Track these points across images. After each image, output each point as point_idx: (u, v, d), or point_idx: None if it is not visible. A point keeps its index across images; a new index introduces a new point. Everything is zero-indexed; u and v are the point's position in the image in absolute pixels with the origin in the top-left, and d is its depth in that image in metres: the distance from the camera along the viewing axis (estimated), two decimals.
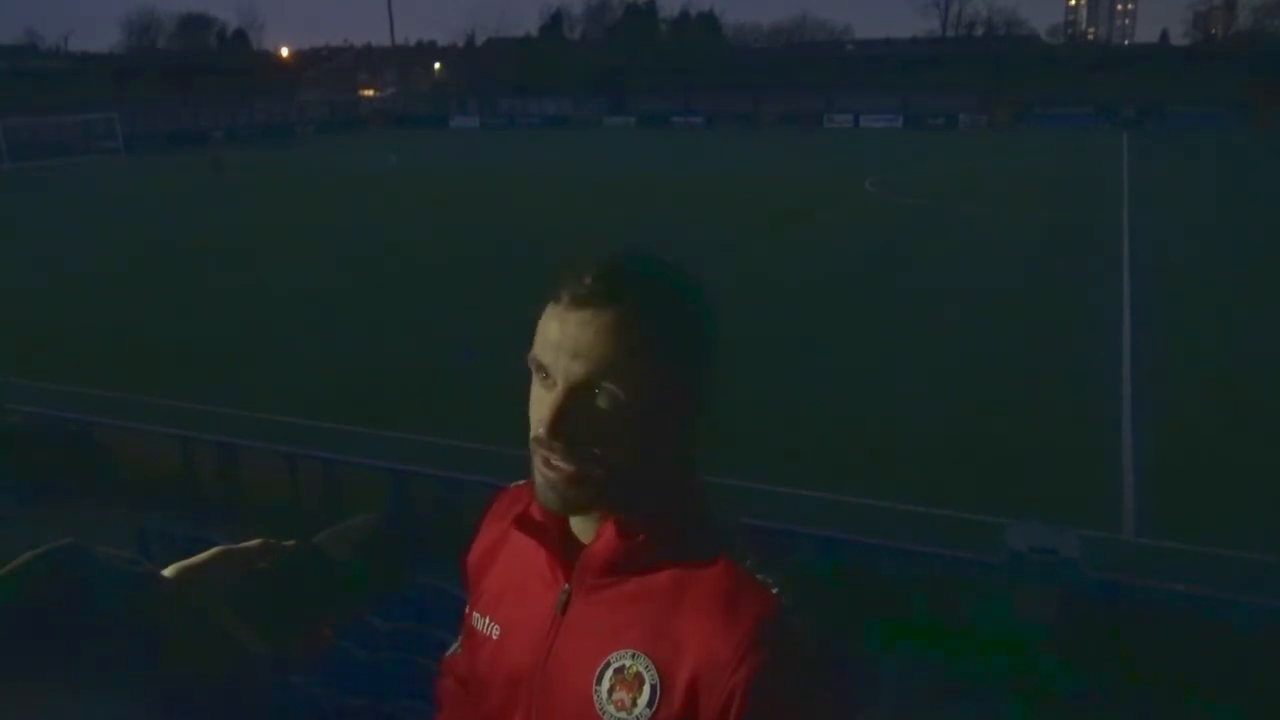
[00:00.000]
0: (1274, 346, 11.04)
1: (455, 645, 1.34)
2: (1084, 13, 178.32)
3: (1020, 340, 11.68)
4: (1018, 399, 9.61)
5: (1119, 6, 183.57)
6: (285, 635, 0.86)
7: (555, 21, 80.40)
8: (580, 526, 1.12)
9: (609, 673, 1.03)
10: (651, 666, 1.01)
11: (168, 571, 0.82)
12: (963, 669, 5.06)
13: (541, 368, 1.02)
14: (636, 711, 1.01)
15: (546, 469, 1.02)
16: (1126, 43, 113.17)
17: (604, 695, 1.03)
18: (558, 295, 1.02)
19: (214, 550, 0.86)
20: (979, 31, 72.67)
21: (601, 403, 0.99)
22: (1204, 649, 4.89)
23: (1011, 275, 15.13)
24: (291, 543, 0.92)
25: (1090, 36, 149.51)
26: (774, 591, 1.02)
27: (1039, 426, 8.86)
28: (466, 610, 1.27)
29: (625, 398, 0.99)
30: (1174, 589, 5.33)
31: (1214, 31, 70.26)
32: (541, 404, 1.02)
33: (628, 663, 1.03)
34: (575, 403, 0.99)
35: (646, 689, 1.01)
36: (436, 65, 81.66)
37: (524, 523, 1.14)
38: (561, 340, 1.00)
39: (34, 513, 7.36)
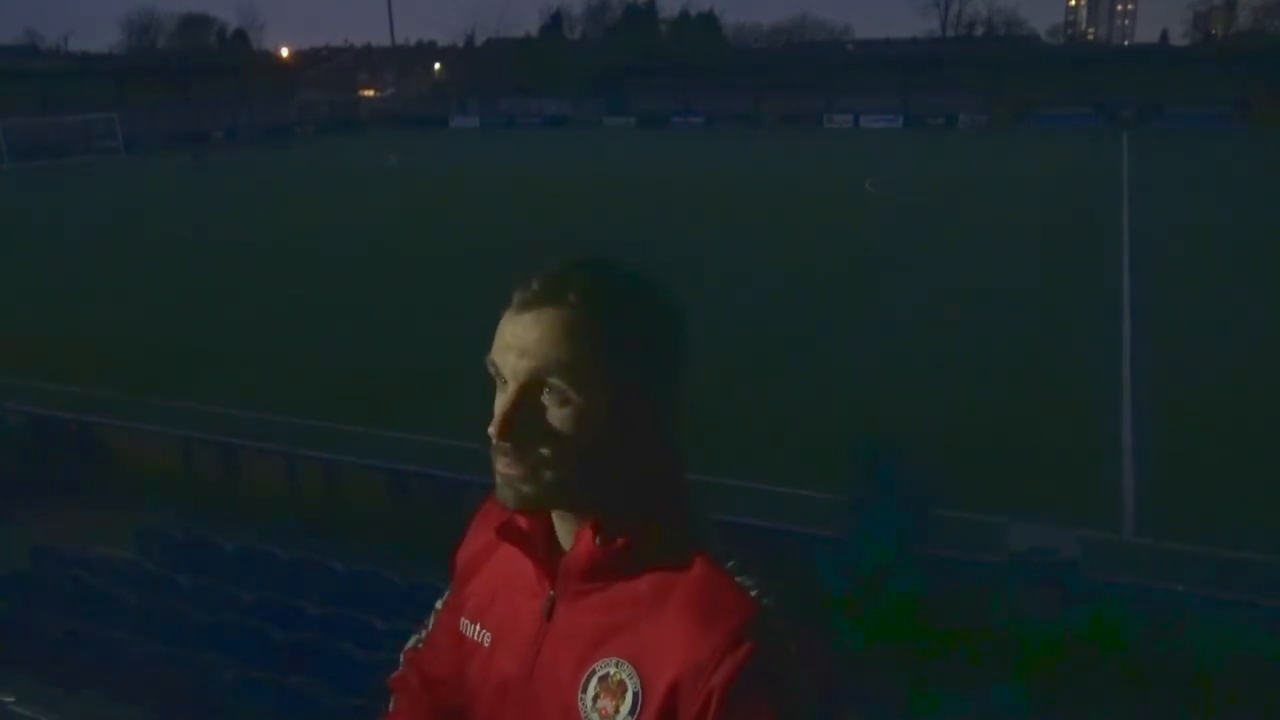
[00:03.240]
0: (1273, 347, 11.04)
1: (416, 639, 1.34)
2: (1084, 13, 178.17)
3: (1020, 340, 11.68)
4: (1018, 399, 9.61)
5: (1119, 6, 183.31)
6: None
7: (555, 22, 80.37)
8: (563, 532, 1.12)
9: (594, 680, 1.04)
10: (635, 674, 1.02)
11: None
12: (963, 668, 5.06)
13: (498, 371, 1.04)
14: (619, 718, 1.02)
15: (501, 468, 1.05)
16: (1126, 43, 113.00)
17: (589, 703, 1.04)
18: (510, 300, 1.05)
19: None
20: (979, 31, 72.66)
21: (549, 402, 1.01)
22: (1204, 649, 4.89)
23: (1011, 275, 15.13)
24: None
25: (1090, 36, 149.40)
26: (753, 595, 1.02)
27: (1039, 426, 8.86)
28: (441, 606, 1.28)
29: (573, 396, 1.00)
30: (1174, 589, 5.34)
31: (1214, 31, 70.29)
32: (495, 406, 1.06)
33: (611, 670, 1.03)
34: (524, 402, 1.01)
35: (629, 696, 1.02)
36: (436, 65, 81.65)
37: (508, 530, 1.14)
38: (511, 341, 1.02)
39: (34, 513, 7.37)
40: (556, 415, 1.01)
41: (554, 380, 1.00)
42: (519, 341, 1.02)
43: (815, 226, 20.29)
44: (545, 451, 1.02)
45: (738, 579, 1.04)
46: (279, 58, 74.11)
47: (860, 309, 13.40)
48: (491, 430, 1.03)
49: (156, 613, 5.17)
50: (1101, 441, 8.48)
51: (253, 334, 12.69)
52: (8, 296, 15.41)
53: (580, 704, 1.04)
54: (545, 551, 1.13)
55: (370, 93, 78.66)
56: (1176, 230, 18.84)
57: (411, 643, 1.35)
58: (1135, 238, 17.88)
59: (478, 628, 1.20)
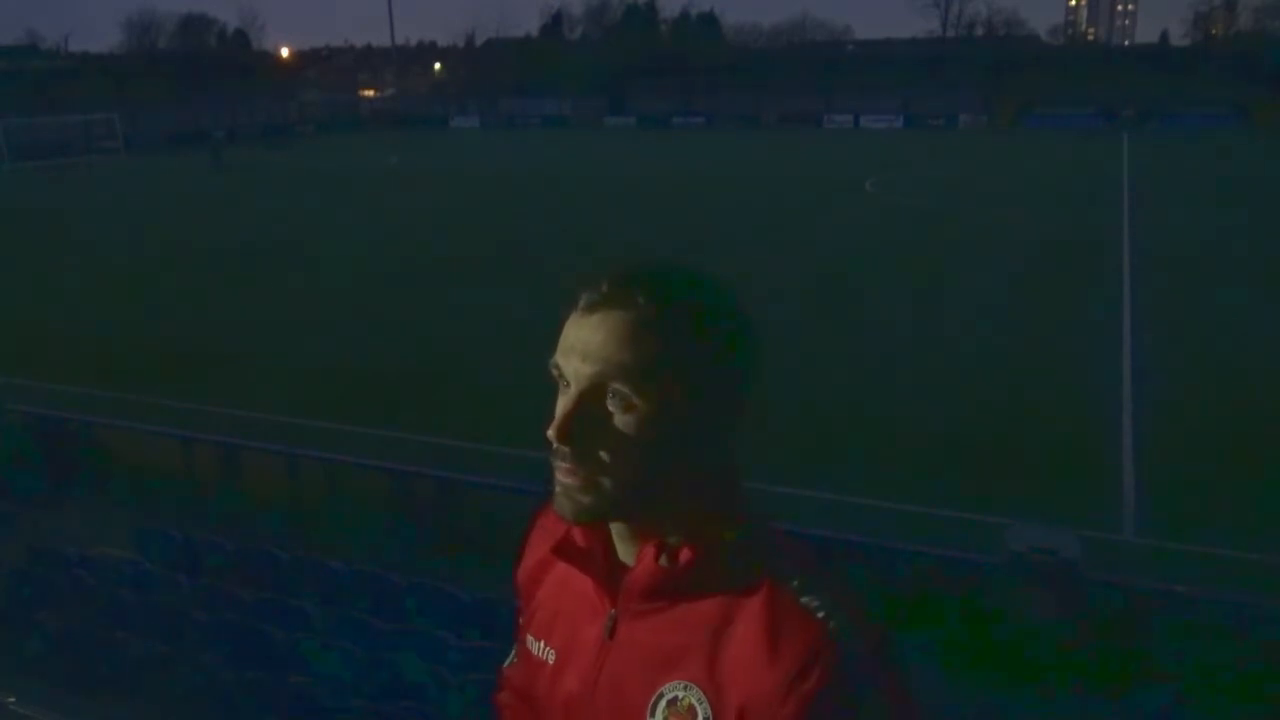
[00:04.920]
0: (1274, 347, 11.04)
1: (511, 656, 1.32)
2: (1084, 13, 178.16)
3: (1020, 340, 11.67)
4: (1018, 399, 9.60)
5: (1119, 6, 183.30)
6: None
7: (555, 22, 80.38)
8: (623, 548, 1.10)
9: (662, 704, 1.02)
10: (704, 699, 1.00)
11: None
12: (962, 669, 5.06)
13: (561, 374, 1.02)
14: None
15: (559, 475, 1.02)
16: (1127, 43, 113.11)
17: None
18: (576, 301, 1.02)
19: None
20: (979, 31, 72.66)
21: (612, 407, 0.98)
22: (1204, 649, 4.88)
23: (1011, 275, 15.12)
24: None
25: (1090, 37, 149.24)
26: (820, 616, 0.98)
27: (1039, 426, 8.86)
28: (521, 623, 1.26)
29: (637, 401, 0.97)
30: (1174, 589, 5.33)
31: (1214, 32, 70.20)
32: (556, 409, 1.02)
33: (680, 694, 1.01)
34: (585, 406, 0.99)
35: None
36: (436, 65, 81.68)
37: (565, 548, 1.12)
38: (575, 343, 1.00)
39: (34, 513, 7.37)
40: (619, 421, 0.98)
41: (617, 385, 0.97)
42: (583, 344, 0.99)
43: (815, 226, 20.30)
44: (605, 457, 0.99)
45: (803, 599, 1.00)
46: (279, 58, 74.15)
47: (859, 308, 13.40)
48: (551, 433, 1.00)
49: (156, 613, 5.17)
50: (1101, 441, 8.48)
51: (253, 334, 12.69)
52: (8, 296, 15.42)
53: None
54: (605, 568, 1.10)
55: (370, 93, 78.72)
56: (1177, 230, 18.84)
57: (509, 659, 1.34)
58: (1135, 237, 17.88)
59: (542, 645, 1.19)
